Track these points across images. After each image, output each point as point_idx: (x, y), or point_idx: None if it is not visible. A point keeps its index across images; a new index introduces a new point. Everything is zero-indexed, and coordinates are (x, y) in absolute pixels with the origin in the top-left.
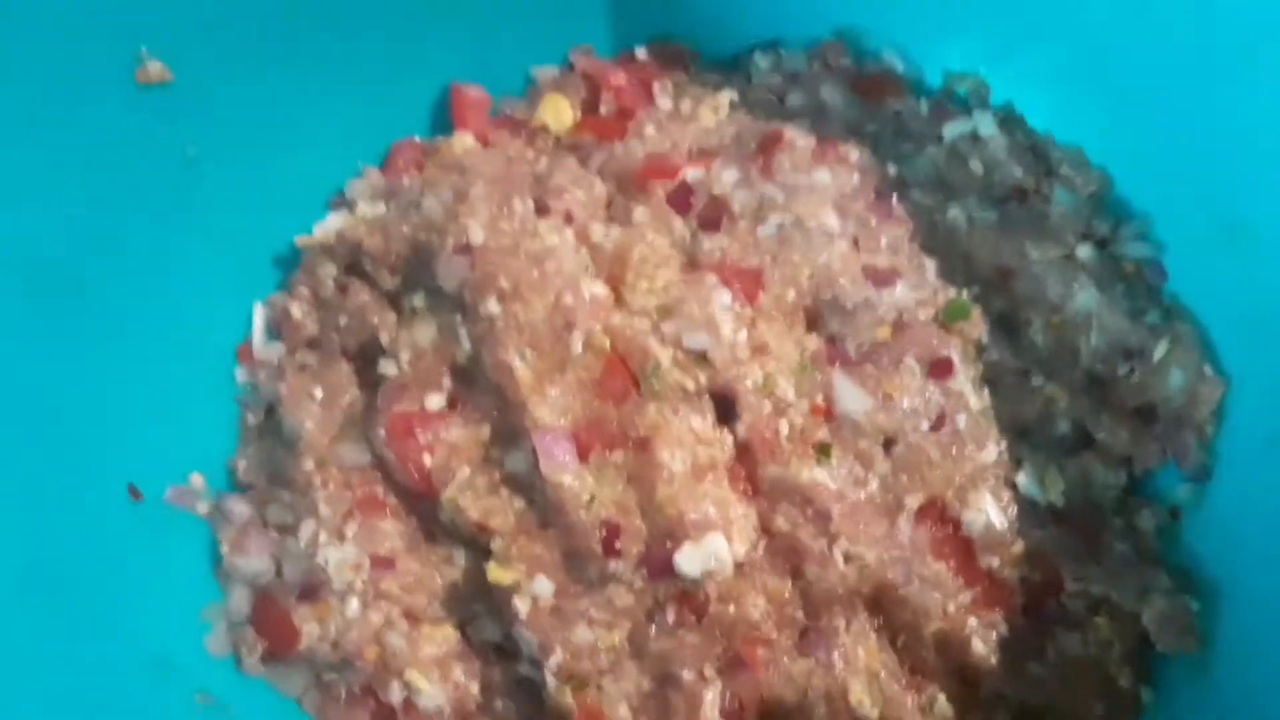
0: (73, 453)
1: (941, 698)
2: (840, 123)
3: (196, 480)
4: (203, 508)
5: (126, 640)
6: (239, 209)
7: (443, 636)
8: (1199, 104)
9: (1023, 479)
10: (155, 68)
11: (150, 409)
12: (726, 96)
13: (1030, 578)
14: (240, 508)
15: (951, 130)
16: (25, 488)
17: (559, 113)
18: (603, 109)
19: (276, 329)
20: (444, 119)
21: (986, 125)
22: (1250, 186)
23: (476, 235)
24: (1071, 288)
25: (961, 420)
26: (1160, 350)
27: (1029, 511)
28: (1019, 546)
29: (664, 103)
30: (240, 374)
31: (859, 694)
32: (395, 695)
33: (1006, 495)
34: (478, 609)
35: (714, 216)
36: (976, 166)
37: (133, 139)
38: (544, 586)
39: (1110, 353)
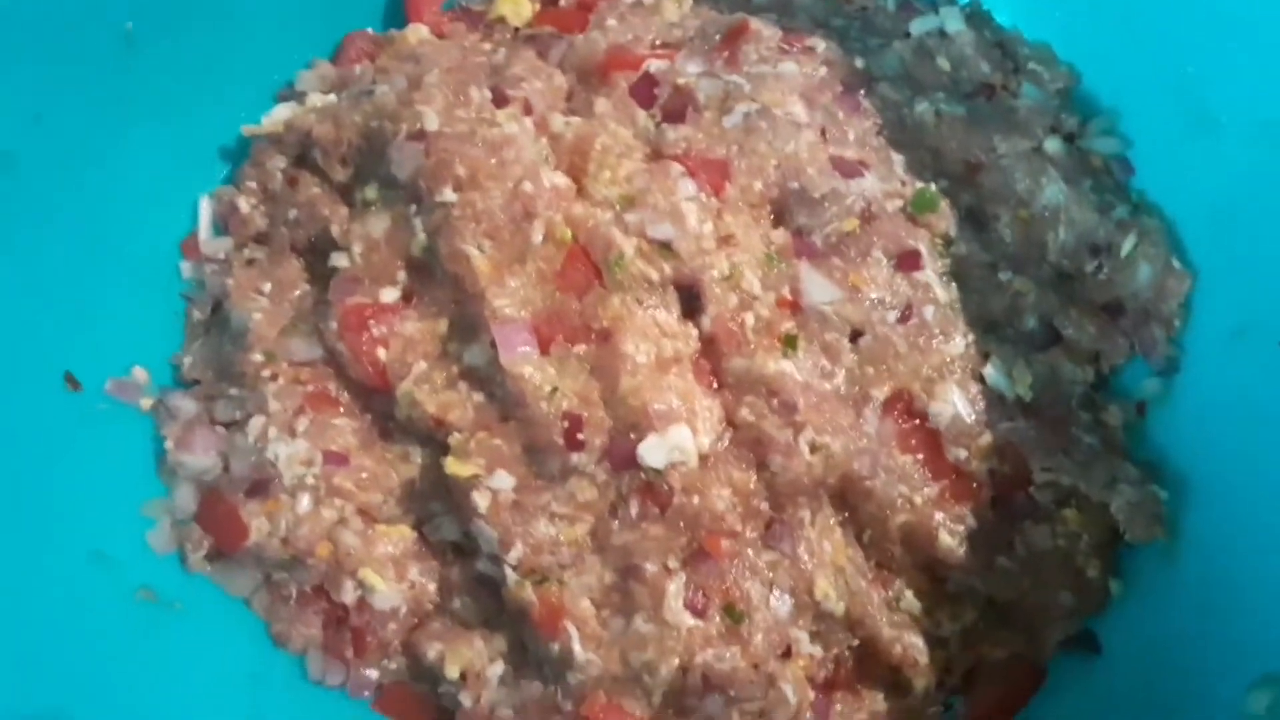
0: (3, 339)
1: (909, 593)
2: (806, 16)
3: (139, 374)
4: (146, 402)
5: (62, 532)
6: (183, 95)
7: (398, 535)
8: None
9: (990, 372)
10: None
11: (89, 302)
12: None
13: (998, 470)
14: (185, 403)
15: (919, 26)
16: None
17: (517, 4)
18: (562, 1)
19: (223, 223)
20: (397, 12)
21: (954, 21)
22: (1217, 80)
23: (431, 122)
24: (1039, 181)
25: (929, 312)
26: (1128, 245)
27: (996, 404)
28: (986, 438)
29: None
30: (186, 269)
31: (825, 588)
32: (348, 594)
33: (974, 388)
34: (435, 507)
35: (678, 107)
36: (944, 63)
37: (65, 7)
38: (504, 480)
39: (1078, 247)
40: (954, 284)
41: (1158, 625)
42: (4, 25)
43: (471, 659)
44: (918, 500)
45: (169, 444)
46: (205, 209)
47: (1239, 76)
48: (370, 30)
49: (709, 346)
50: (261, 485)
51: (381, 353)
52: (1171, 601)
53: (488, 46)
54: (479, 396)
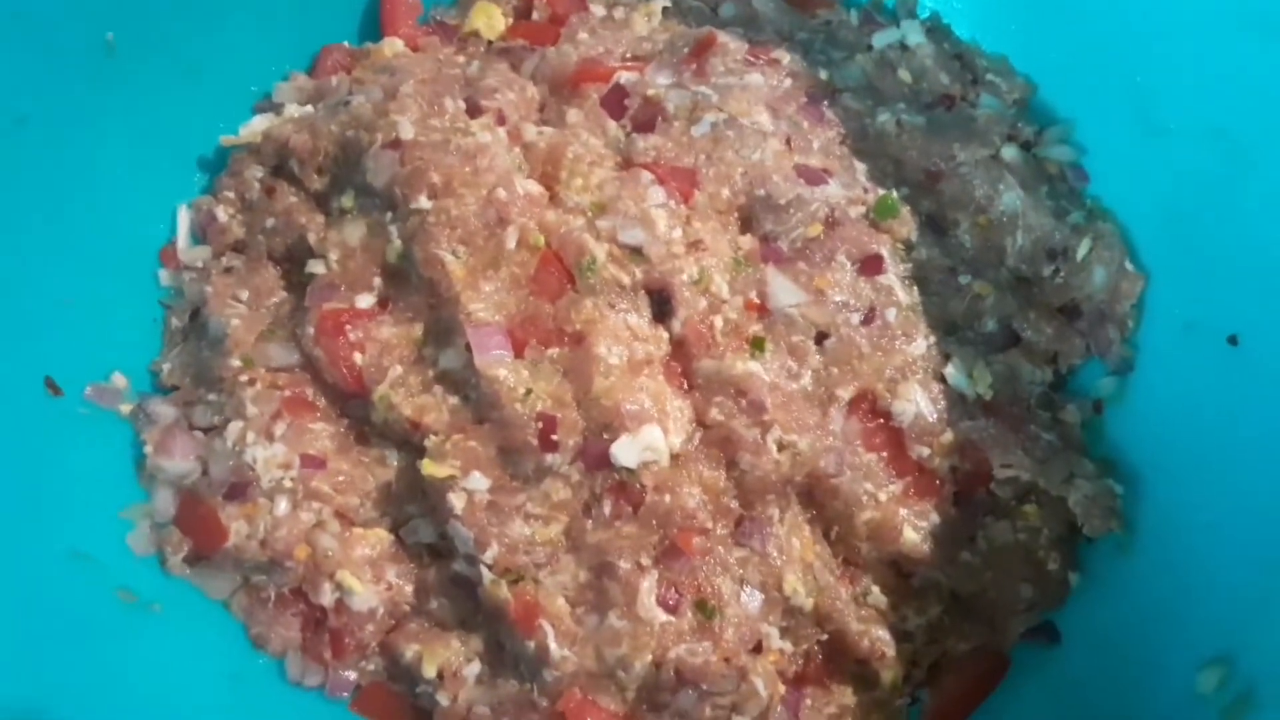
0: None
1: (875, 588)
2: (772, 30)
3: (118, 380)
4: (125, 408)
5: (42, 536)
6: (162, 105)
7: (376, 538)
8: (1117, 13)
9: (951, 372)
10: None
11: (68, 309)
12: (659, 4)
13: (960, 467)
14: (164, 409)
15: (880, 39)
16: None
17: (490, 19)
18: (535, 15)
19: (202, 232)
20: (373, 26)
21: (914, 35)
22: (1165, 89)
23: (406, 131)
24: (997, 188)
25: (891, 315)
26: (1083, 249)
27: (957, 403)
28: (948, 436)
29: (597, 9)
30: (165, 277)
31: (794, 584)
32: (326, 597)
33: (936, 388)
34: (411, 510)
35: (648, 118)
36: (905, 74)
37: (48, 17)
38: (479, 481)
39: (1035, 252)
40: (915, 287)
41: (1114, 614)
42: None
43: (448, 658)
44: (882, 497)
45: (148, 448)
46: (184, 218)
47: (1186, 86)
48: (346, 43)
49: (679, 349)
50: (240, 489)
51: (358, 357)
52: (1127, 591)
53: (461, 59)
54: (454, 399)
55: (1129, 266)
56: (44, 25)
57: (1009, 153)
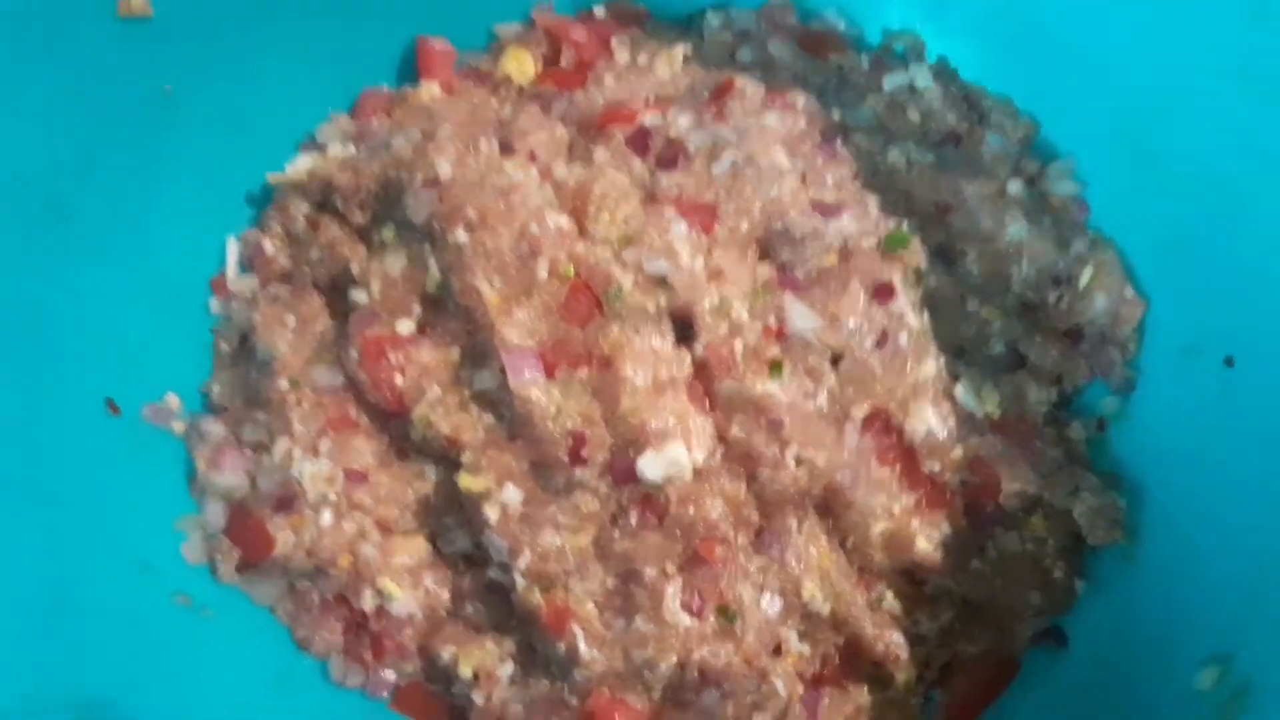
0: (53, 368)
1: (889, 594)
2: (788, 74)
3: (172, 400)
4: (178, 426)
5: (107, 545)
6: (214, 146)
7: (414, 547)
8: (1116, 57)
9: (960, 392)
10: (137, 2)
11: (127, 334)
12: (681, 50)
13: (970, 481)
14: (215, 427)
15: (890, 82)
16: (8, 400)
17: (522, 64)
18: (563, 61)
19: (250, 263)
20: (410, 71)
21: (923, 78)
22: (1164, 127)
23: (445, 170)
24: (1003, 220)
25: (903, 338)
26: (1085, 276)
27: (967, 422)
28: (958, 453)
29: (622, 56)
30: (215, 305)
31: (811, 590)
32: (368, 602)
33: (946, 407)
34: (448, 521)
35: (671, 156)
36: (914, 115)
37: (113, 71)
38: (513, 494)
39: (1039, 279)
40: (926, 313)
41: (1119, 619)
42: (61, 81)
43: (483, 660)
44: (896, 509)
45: (200, 464)
46: (233, 250)
47: (1183, 126)
48: (385, 87)
49: (701, 370)
50: (287, 501)
51: (398, 379)
52: (1131, 597)
53: (495, 103)
54: (489, 418)
55: (1129, 293)
56: (108, 78)
57: (1014, 187)
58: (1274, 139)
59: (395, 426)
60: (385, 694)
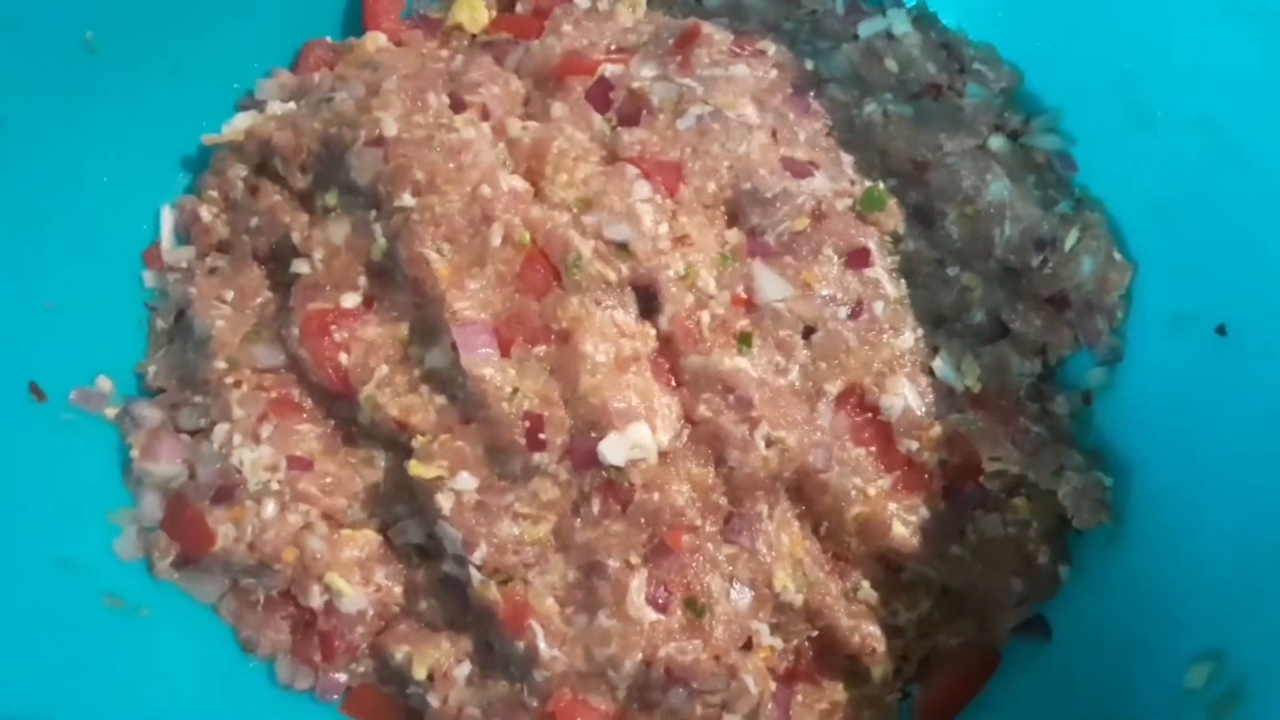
0: None
1: (865, 583)
2: (757, 20)
3: (103, 383)
4: (110, 412)
5: (28, 542)
6: (143, 104)
7: (364, 539)
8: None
9: (939, 365)
10: None
11: (53, 312)
12: None
13: (949, 461)
14: (150, 412)
15: (867, 28)
16: None
17: (474, 12)
18: (518, 8)
19: (185, 232)
20: (355, 21)
21: (901, 24)
22: (1153, 77)
23: (390, 128)
24: (985, 179)
25: (879, 308)
26: (1071, 239)
27: (946, 396)
28: (937, 430)
29: (581, 1)
30: (149, 278)
31: (783, 580)
32: (315, 599)
33: (924, 381)
34: (399, 511)
35: (633, 111)
36: (891, 64)
37: (28, 16)
38: (467, 482)
39: (1023, 242)
40: (903, 280)
41: (1105, 608)
42: None
43: (438, 660)
44: (871, 492)
45: (134, 452)
46: (167, 218)
47: (1173, 73)
48: (329, 39)
49: (666, 345)
50: (227, 492)
51: (343, 358)
52: (1117, 585)
53: (445, 53)
54: (441, 399)
55: (1117, 256)
56: (21, 25)
57: (996, 142)
58: (1274, 87)
59: (341, 409)
60: (336, 697)
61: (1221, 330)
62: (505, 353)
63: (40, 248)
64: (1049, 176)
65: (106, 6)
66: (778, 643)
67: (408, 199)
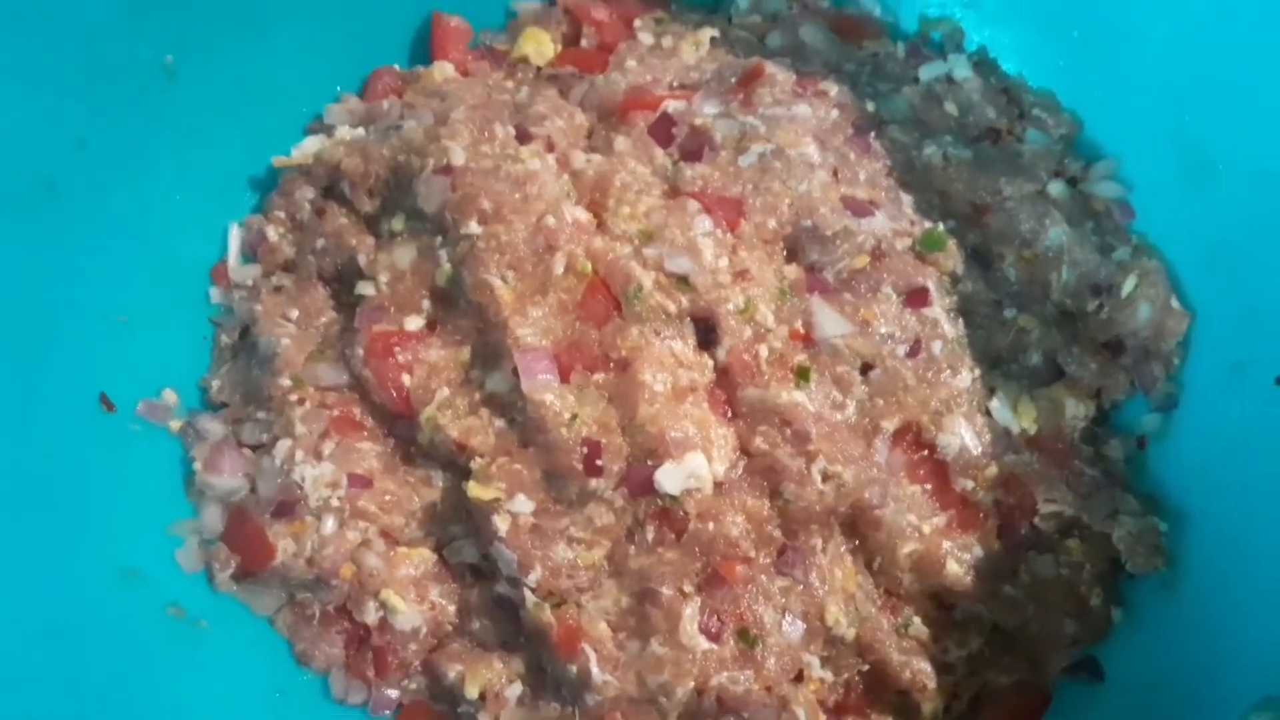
0: (43, 361)
1: (917, 619)
2: (819, 61)
3: (169, 396)
4: (175, 424)
5: (94, 551)
6: (216, 126)
7: (420, 558)
8: (1166, 49)
9: (996, 405)
10: None
11: (123, 326)
12: (708, 33)
13: (1004, 501)
14: (213, 425)
15: (927, 72)
16: None
17: (540, 45)
18: (583, 42)
19: (252, 251)
20: (423, 50)
21: (961, 68)
22: (1213, 128)
23: (457, 156)
24: (1043, 223)
25: (937, 347)
26: (1129, 285)
27: (1002, 437)
28: (992, 470)
29: (645, 38)
30: (215, 295)
31: (835, 614)
32: (370, 615)
33: (980, 421)
34: (455, 531)
35: (695, 147)
36: (951, 107)
37: (111, 40)
38: (524, 504)
39: (1080, 287)
40: (961, 320)
41: (1159, 652)
42: (51, 53)
43: (490, 679)
44: (926, 529)
45: (197, 465)
46: (235, 237)
47: (1234, 126)
48: (397, 67)
49: (724, 377)
50: (287, 507)
51: (406, 379)
52: (1172, 629)
53: (511, 85)
54: (500, 422)
55: (1175, 304)
56: (105, 48)
57: (1055, 188)
58: None
59: (401, 429)
60: (388, 712)
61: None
62: (565, 379)
63: (114, 262)
64: (1107, 223)
65: (185, 32)
66: (828, 675)
67: (474, 226)
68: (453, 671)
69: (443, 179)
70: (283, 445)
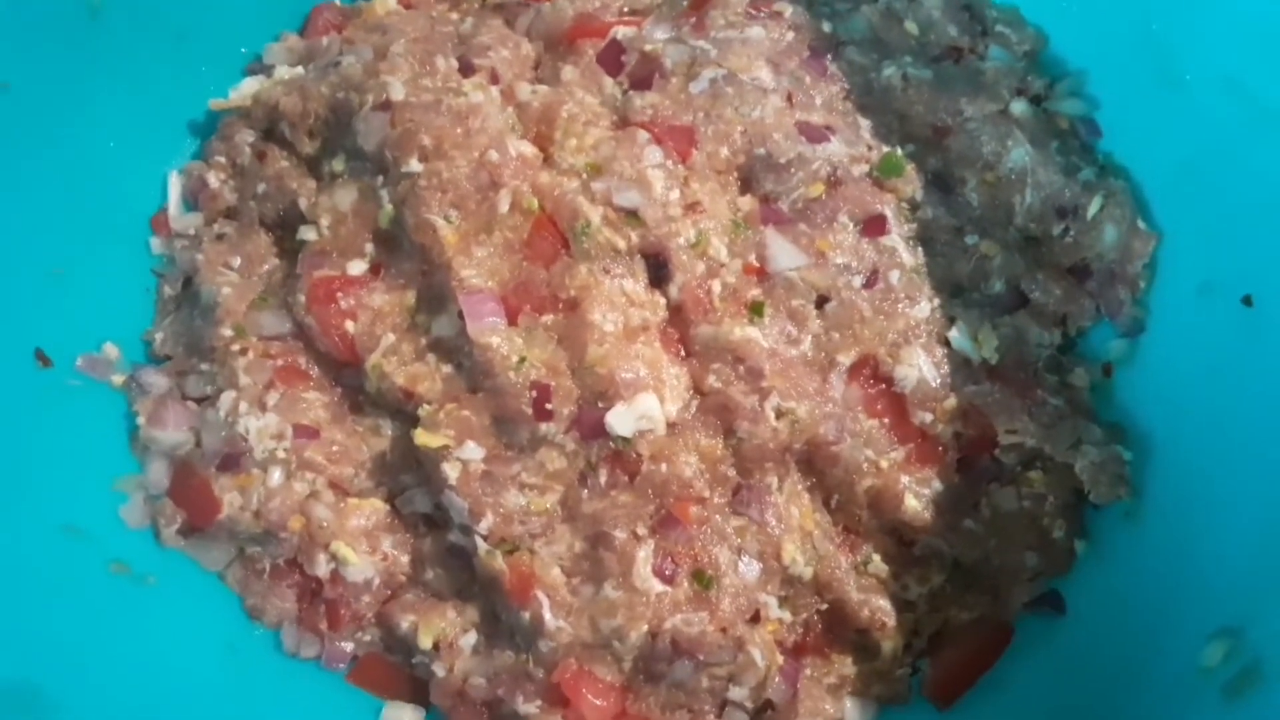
0: None
1: (876, 556)
2: None
3: (110, 350)
4: (117, 379)
5: (34, 508)
6: (150, 69)
7: (370, 508)
8: None
9: (956, 335)
10: None
11: (59, 277)
12: None
13: (963, 433)
14: (157, 379)
15: None
16: None
17: None
18: None
19: (193, 198)
20: None
21: None
22: (1181, 37)
23: (397, 92)
24: (1006, 144)
25: (894, 277)
26: (1094, 207)
27: (962, 368)
28: (951, 402)
29: None
30: (156, 245)
31: (792, 553)
32: (322, 568)
33: (939, 352)
34: (406, 480)
35: (645, 74)
36: (911, 26)
37: None
38: (474, 451)
39: (1044, 210)
40: (920, 248)
41: (1121, 584)
42: None
43: (444, 629)
44: (884, 464)
45: (141, 420)
46: (174, 184)
47: (1202, 33)
48: (338, 2)
49: (676, 315)
50: (233, 460)
51: (350, 325)
52: (1135, 561)
53: (455, 16)
54: (448, 368)
55: (1141, 225)
56: None
57: (1018, 107)
58: None
59: (348, 378)
60: (342, 665)
61: (1248, 301)
62: (512, 321)
63: (46, 213)
64: (1072, 143)
65: None
66: (786, 616)
67: (414, 164)
68: (406, 622)
69: (381, 115)
70: (226, 397)
